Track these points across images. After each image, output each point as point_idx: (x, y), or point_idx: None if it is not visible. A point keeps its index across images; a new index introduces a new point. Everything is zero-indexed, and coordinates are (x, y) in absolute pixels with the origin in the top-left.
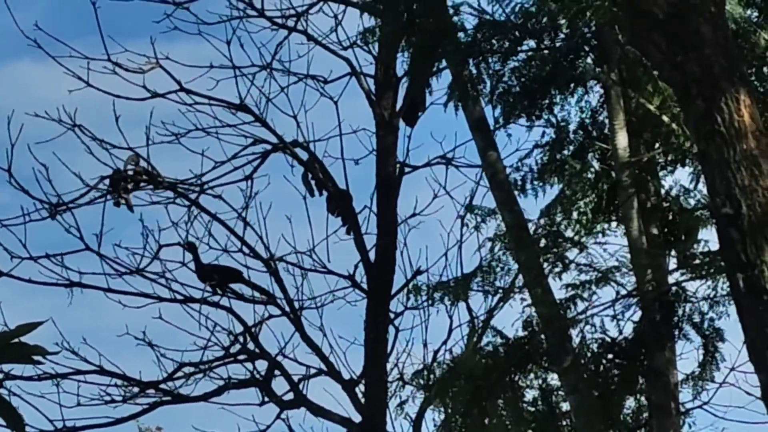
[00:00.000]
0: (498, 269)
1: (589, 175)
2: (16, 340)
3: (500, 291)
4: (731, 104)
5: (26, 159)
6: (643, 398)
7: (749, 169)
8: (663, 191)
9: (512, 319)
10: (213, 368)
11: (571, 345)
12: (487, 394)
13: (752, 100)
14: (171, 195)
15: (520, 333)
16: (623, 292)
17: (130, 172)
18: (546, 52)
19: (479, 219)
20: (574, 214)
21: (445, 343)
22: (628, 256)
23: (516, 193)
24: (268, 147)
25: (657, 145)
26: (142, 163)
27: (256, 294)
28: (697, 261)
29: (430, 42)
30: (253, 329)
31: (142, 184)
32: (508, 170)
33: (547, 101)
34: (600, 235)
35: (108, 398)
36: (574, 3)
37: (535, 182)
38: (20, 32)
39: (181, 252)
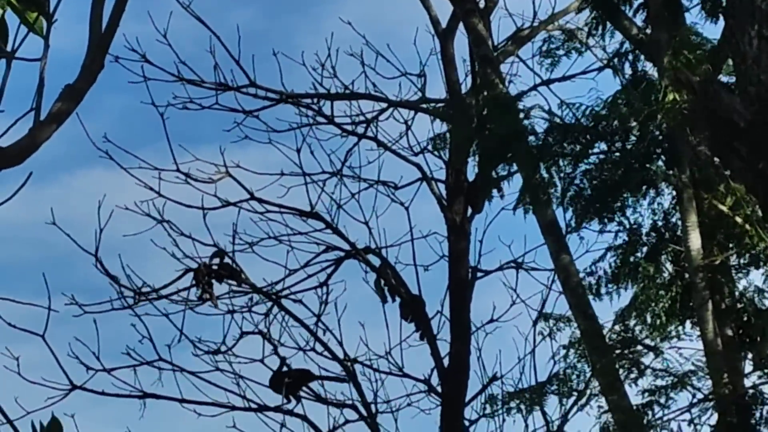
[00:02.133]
0: (573, 376)
1: (663, 278)
2: None
3: (574, 395)
4: None
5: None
6: None
7: None
8: (737, 293)
9: (588, 425)
10: None
11: None
12: None
13: None
14: (249, 299)
15: None
16: (699, 396)
17: (215, 267)
18: (617, 154)
19: (553, 326)
20: (648, 318)
21: None
22: (704, 359)
23: (590, 297)
24: (341, 254)
25: (730, 246)
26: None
27: (331, 394)
28: None
29: (500, 146)
30: None
31: (225, 280)
32: (581, 274)
33: (619, 204)
34: (675, 338)
35: None
36: (645, 106)
37: (609, 286)
38: (91, 141)
39: (261, 347)
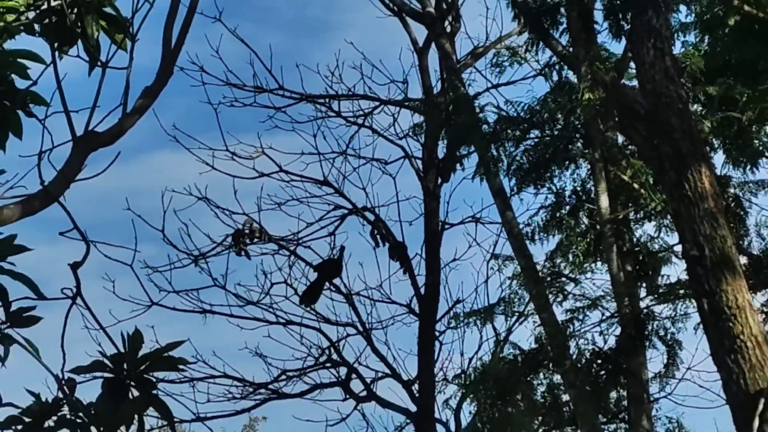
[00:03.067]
0: (515, 300)
1: (581, 228)
2: (167, 354)
3: (516, 313)
4: (695, 175)
5: (169, 223)
6: (623, 391)
7: (710, 222)
8: (635, 239)
9: (526, 335)
10: (307, 373)
11: (570, 353)
12: (508, 391)
13: (710, 171)
14: (275, 248)
15: (533, 345)
16: (607, 314)
17: (247, 231)
18: (547, 138)
19: (501, 264)
20: (570, 257)
21: (476, 353)
22: (611, 287)
23: (528, 242)
24: (345, 212)
25: (630, 205)
26: (254, 225)
27: (337, 316)
28: (662, 290)
29: (462, 133)
30: (336, 344)
31: (255, 239)
32: (521, 226)
33: (548, 174)
34: (589, 272)
35: (230, 395)
36: (567, 103)
37: (541, 234)
38: (162, 129)
39: (284, 289)
